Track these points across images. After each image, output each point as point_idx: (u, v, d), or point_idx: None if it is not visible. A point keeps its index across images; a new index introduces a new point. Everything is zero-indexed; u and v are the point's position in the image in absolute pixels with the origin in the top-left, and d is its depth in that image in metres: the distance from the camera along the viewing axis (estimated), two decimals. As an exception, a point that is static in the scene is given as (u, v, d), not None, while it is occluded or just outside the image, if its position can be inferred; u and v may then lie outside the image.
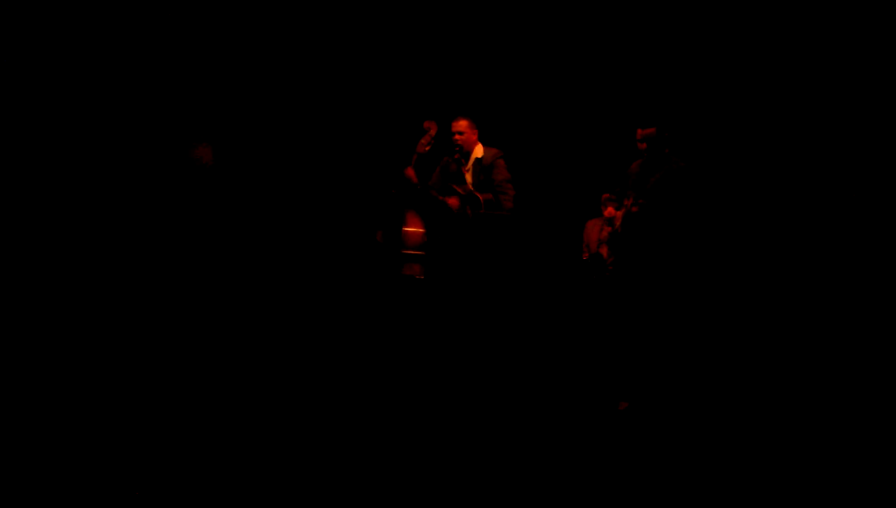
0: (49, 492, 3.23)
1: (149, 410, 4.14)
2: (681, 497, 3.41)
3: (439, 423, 4.16)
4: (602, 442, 4.05)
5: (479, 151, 5.71)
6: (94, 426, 3.89)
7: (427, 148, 5.55)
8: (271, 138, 6.83)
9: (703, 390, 4.74)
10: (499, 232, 5.54)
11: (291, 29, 6.82)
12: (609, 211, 6.67)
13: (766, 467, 3.71)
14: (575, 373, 5.08)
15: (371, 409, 4.33)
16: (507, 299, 5.63)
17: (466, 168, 5.71)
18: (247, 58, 6.71)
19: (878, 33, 5.88)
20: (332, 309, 5.87)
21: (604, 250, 6.77)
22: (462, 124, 5.63)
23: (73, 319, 5.23)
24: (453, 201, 5.56)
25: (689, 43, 6.63)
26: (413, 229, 5.60)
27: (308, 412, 4.25)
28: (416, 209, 5.50)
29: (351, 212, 6.67)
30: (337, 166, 6.91)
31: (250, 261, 6.19)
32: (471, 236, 5.50)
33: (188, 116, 6.43)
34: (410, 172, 5.53)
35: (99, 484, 3.30)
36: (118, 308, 5.41)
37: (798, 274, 5.76)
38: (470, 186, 5.64)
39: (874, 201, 5.70)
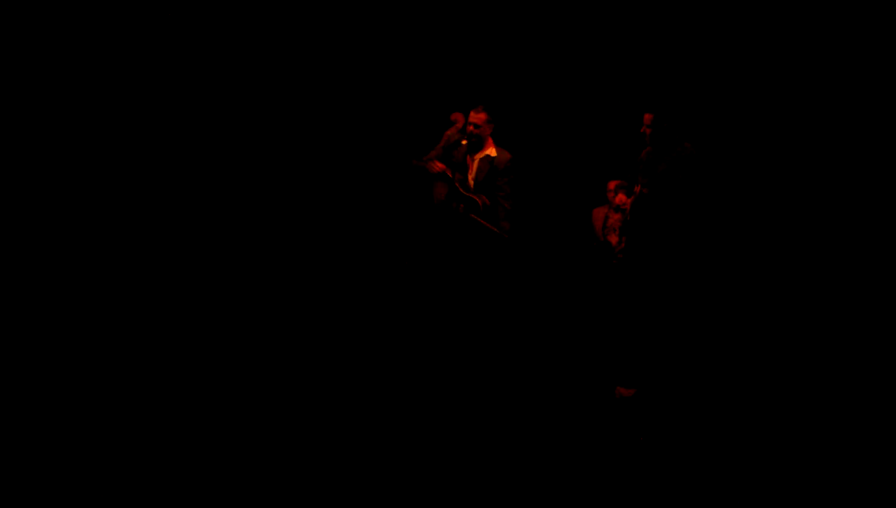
0: (49, 492, 3.25)
1: (149, 410, 4.16)
2: (686, 488, 3.43)
3: (445, 414, 4.18)
4: (609, 432, 4.07)
5: (491, 149, 5.68)
6: (94, 426, 3.90)
7: (454, 140, 5.58)
8: (293, 132, 6.88)
9: (713, 378, 4.72)
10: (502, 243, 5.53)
11: (322, 21, 6.88)
12: (620, 198, 6.64)
13: (773, 456, 3.73)
14: (583, 362, 5.06)
15: (372, 404, 4.34)
16: (514, 290, 5.62)
17: (472, 159, 5.67)
18: (270, 52, 6.76)
19: (879, 14, 5.87)
20: (336, 307, 5.89)
21: (612, 239, 6.74)
22: (481, 117, 5.59)
23: (73, 319, 5.24)
24: (436, 167, 5.56)
25: (695, 30, 6.62)
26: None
27: (308, 412, 4.26)
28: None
29: (373, 205, 6.73)
30: (364, 159, 6.95)
31: (257, 258, 6.24)
32: (460, 232, 5.48)
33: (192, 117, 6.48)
34: (440, 165, 5.58)
35: (99, 484, 3.32)
36: (120, 308, 5.46)
37: (806, 262, 5.75)
38: (471, 180, 5.62)
39: (878, 183, 5.69)
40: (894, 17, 5.79)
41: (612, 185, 6.83)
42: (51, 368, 4.63)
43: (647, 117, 5.64)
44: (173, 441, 3.79)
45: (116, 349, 4.95)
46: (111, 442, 3.74)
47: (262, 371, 4.82)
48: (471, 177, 5.62)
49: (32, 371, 4.56)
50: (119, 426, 3.92)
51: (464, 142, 5.61)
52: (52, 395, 4.32)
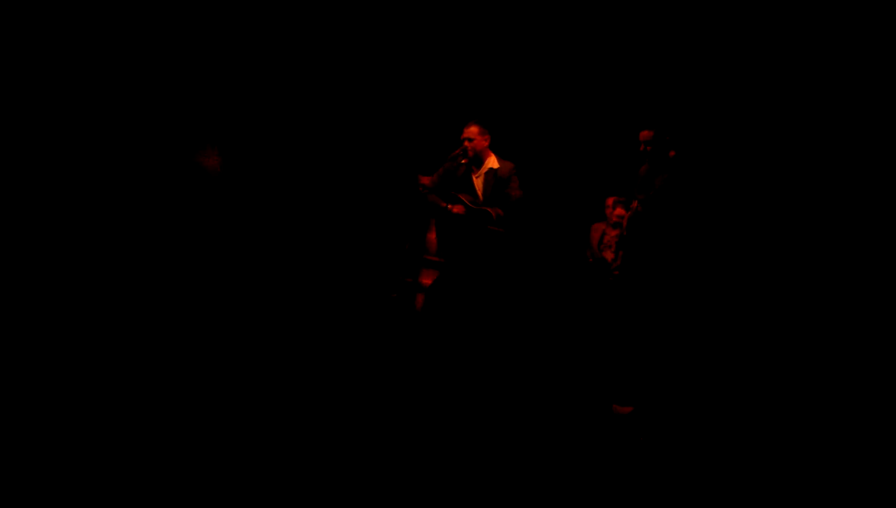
0: (49, 492, 3.23)
1: (149, 410, 4.14)
2: (682, 499, 3.42)
3: (441, 425, 4.15)
4: (605, 446, 4.05)
5: (493, 161, 5.61)
6: (94, 426, 3.88)
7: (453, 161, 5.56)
8: (293, 140, 6.87)
9: (710, 392, 4.74)
10: (502, 241, 5.52)
11: (317, 34, 6.85)
12: (618, 212, 6.68)
13: (768, 470, 3.71)
14: (578, 376, 5.08)
15: (372, 409, 4.33)
16: (513, 302, 5.64)
17: (477, 175, 5.62)
18: (266, 63, 6.73)
19: (877, 31, 5.90)
20: (338, 311, 5.89)
21: (608, 255, 6.78)
22: (472, 130, 5.55)
23: (74, 319, 5.24)
24: (458, 209, 5.51)
25: (692, 44, 6.61)
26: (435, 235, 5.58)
27: (308, 412, 4.25)
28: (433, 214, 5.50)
29: (375, 216, 6.72)
30: (361, 170, 6.95)
31: (262, 262, 6.23)
32: (477, 246, 5.48)
33: (195, 119, 6.45)
34: (459, 207, 5.54)
35: (99, 484, 3.30)
36: (118, 308, 5.46)
37: (803, 276, 5.78)
38: (480, 196, 5.58)
39: (877, 201, 5.72)
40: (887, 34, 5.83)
41: (610, 201, 6.87)
42: (50, 368, 4.60)
43: (645, 134, 5.70)
44: (171, 442, 3.75)
45: (115, 349, 4.93)
46: (110, 443, 3.70)
47: (264, 372, 4.81)
48: (480, 194, 5.57)
49: (32, 371, 4.53)
50: (117, 427, 3.88)
51: (463, 161, 5.54)
52: (52, 395, 4.28)
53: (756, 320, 5.52)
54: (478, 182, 5.60)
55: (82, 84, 6.06)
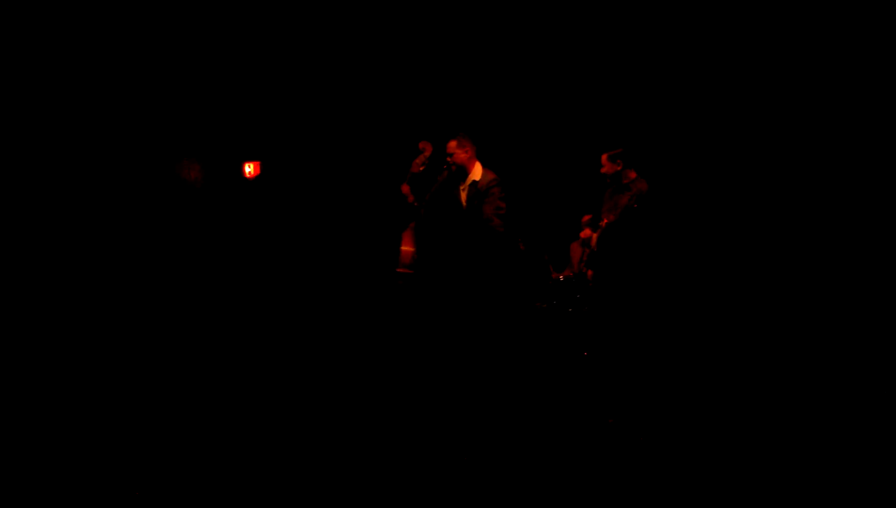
0: (49, 492, 3.24)
1: (149, 410, 4.17)
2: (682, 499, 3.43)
3: (440, 426, 4.17)
4: (604, 447, 4.02)
5: (476, 172, 5.61)
6: (94, 426, 3.92)
7: (421, 168, 5.58)
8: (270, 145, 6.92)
9: (707, 393, 4.74)
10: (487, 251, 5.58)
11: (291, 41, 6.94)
12: (585, 233, 6.84)
13: (767, 470, 3.70)
14: (561, 388, 5.06)
15: (367, 415, 4.35)
16: (492, 314, 5.68)
17: (463, 187, 5.65)
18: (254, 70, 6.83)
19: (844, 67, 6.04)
20: (333, 312, 5.89)
21: (589, 273, 6.90)
22: (451, 145, 5.59)
23: (75, 319, 5.27)
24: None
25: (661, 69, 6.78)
26: (406, 248, 5.62)
27: (308, 412, 4.27)
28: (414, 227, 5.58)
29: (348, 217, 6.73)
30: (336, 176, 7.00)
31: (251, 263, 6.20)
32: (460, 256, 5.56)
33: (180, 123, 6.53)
34: (405, 188, 5.61)
35: (99, 484, 3.31)
36: (119, 308, 5.50)
37: (777, 276, 5.85)
38: (465, 208, 5.64)
39: (850, 227, 5.82)
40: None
41: (584, 219, 7.07)
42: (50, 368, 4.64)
43: (604, 158, 5.97)
44: (171, 442, 3.79)
45: (116, 349, 4.96)
46: (110, 443, 3.74)
47: (263, 371, 4.85)
48: (465, 206, 5.62)
49: (32, 371, 4.57)
50: (117, 427, 3.92)
51: (439, 177, 5.63)
52: (52, 395, 4.32)
53: (740, 317, 5.57)
54: (463, 194, 5.66)
55: (81, 84, 6.11)
